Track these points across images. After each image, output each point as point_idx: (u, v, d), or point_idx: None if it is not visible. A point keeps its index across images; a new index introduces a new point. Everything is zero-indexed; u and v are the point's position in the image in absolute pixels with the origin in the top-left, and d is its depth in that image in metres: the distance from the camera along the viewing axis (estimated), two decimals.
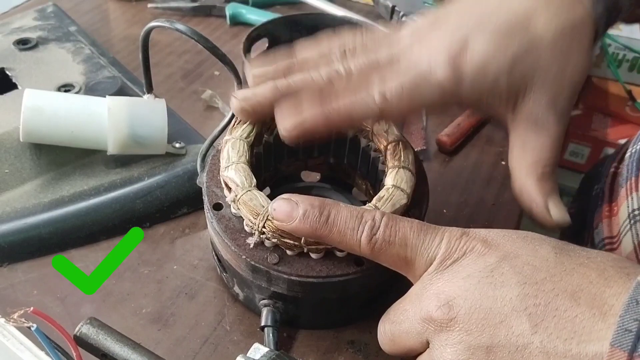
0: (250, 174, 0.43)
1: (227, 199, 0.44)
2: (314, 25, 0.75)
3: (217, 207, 0.45)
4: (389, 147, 0.46)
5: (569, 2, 0.44)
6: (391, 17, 0.82)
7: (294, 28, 0.75)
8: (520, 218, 0.59)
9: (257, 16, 0.83)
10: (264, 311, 0.44)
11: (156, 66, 0.73)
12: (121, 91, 0.60)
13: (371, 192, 0.51)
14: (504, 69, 0.43)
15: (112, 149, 0.54)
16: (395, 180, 0.43)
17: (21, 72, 0.62)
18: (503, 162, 0.64)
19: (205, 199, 0.45)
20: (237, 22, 0.84)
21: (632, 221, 0.49)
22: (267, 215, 0.40)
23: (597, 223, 0.56)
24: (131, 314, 0.47)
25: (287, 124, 0.42)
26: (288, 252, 0.42)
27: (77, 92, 0.59)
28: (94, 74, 0.62)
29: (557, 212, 0.44)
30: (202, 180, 0.47)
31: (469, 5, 0.46)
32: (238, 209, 0.42)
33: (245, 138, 0.45)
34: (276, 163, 0.52)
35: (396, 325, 0.38)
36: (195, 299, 0.48)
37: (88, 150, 0.55)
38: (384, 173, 0.46)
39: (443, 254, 0.37)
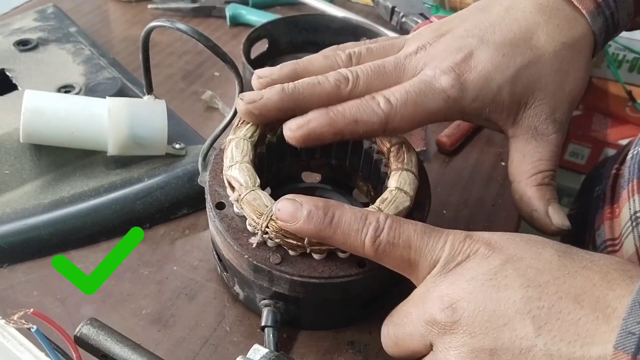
0: (254, 173, 0.43)
1: (230, 198, 0.43)
2: (314, 26, 0.75)
3: (220, 206, 0.44)
4: (392, 150, 0.46)
5: (570, 17, 0.46)
6: (391, 18, 0.82)
7: (294, 29, 0.75)
8: (520, 219, 0.59)
9: (257, 17, 0.83)
10: (265, 311, 0.44)
11: (156, 67, 0.73)
12: (121, 92, 0.60)
13: (372, 194, 0.51)
14: (507, 80, 0.44)
15: (112, 150, 0.54)
16: (399, 183, 0.43)
17: (21, 73, 0.61)
18: (503, 163, 0.64)
19: (207, 198, 0.45)
20: (237, 23, 0.84)
21: (634, 223, 0.49)
22: (271, 215, 0.40)
23: (599, 225, 0.56)
24: (131, 314, 0.47)
25: (291, 124, 0.42)
26: (291, 252, 0.42)
27: (77, 93, 0.59)
28: (94, 74, 0.62)
29: (557, 218, 0.45)
30: (204, 179, 0.46)
31: (473, 15, 0.47)
32: (241, 208, 0.42)
33: (249, 138, 0.45)
34: (279, 163, 0.52)
35: (400, 327, 0.38)
36: (195, 300, 0.48)
37: (88, 151, 0.55)
38: (386, 175, 0.46)
39: (447, 257, 0.37)
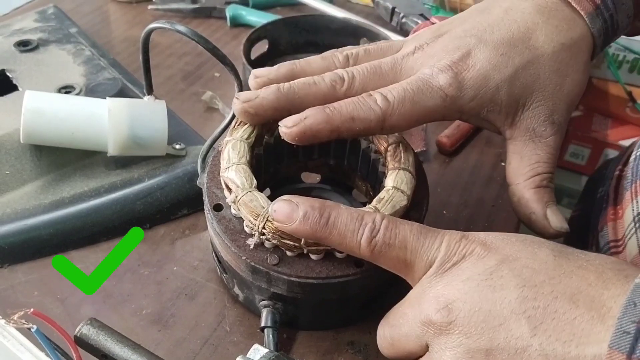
0: (251, 175, 0.43)
1: (227, 200, 0.44)
2: (314, 26, 0.75)
3: (218, 208, 0.45)
4: (389, 149, 0.46)
5: (569, 18, 0.46)
6: (391, 19, 0.82)
7: (294, 30, 0.75)
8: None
9: (258, 18, 0.83)
10: (264, 312, 0.44)
11: (156, 68, 0.73)
12: (121, 93, 0.60)
13: (371, 193, 0.51)
14: (505, 79, 0.44)
15: (112, 151, 0.54)
16: (396, 182, 0.43)
17: (22, 74, 0.62)
18: (503, 164, 0.64)
19: (205, 199, 0.45)
20: (237, 23, 0.84)
21: (637, 224, 0.49)
22: (267, 217, 0.40)
23: (602, 226, 0.56)
24: (131, 315, 0.47)
25: (287, 121, 0.42)
26: (288, 253, 0.42)
27: (77, 94, 0.59)
28: (95, 75, 0.62)
29: (556, 220, 0.45)
30: (203, 181, 0.47)
31: (472, 16, 0.47)
32: (238, 210, 0.42)
33: (246, 139, 0.45)
34: (276, 164, 0.52)
35: (395, 329, 0.38)
36: (195, 300, 0.49)
37: (88, 152, 0.55)
38: (384, 174, 0.46)
39: (442, 257, 0.37)
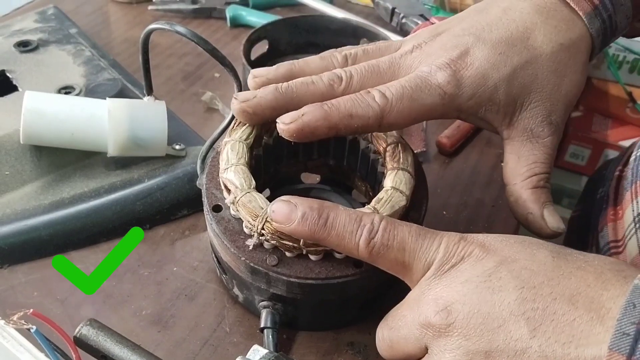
0: (250, 175, 0.43)
1: (226, 201, 0.44)
2: (314, 27, 0.75)
3: (217, 208, 0.45)
4: (388, 149, 0.46)
5: (567, 19, 0.45)
6: (391, 19, 0.82)
7: (294, 30, 0.75)
8: None
9: (258, 18, 0.83)
10: (264, 313, 0.44)
11: (156, 68, 0.73)
12: (121, 93, 0.60)
13: (371, 193, 0.51)
14: (503, 78, 0.44)
15: (112, 151, 0.54)
16: (394, 182, 0.43)
17: (22, 74, 0.62)
18: (503, 164, 0.64)
19: (204, 200, 0.45)
20: (237, 24, 0.84)
21: (637, 225, 0.49)
22: (266, 217, 0.40)
23: (602, 226, 0.56)
24: (131, 315, 0.47)
25: (285, 118, 0.42)
26: (287, 253, 0.42)
27: (77, 94, 0.59)
28: (95, 76, 0.62)
29: (553, 220, 0.45)
30: (202, 182, 0.47)
31: (470, 16, 0.47)
32: (237, 210, 0.42)
33: (245, 140, 0.45)
34: (276, 165, 0.52)
35: (394, 331, 0.38)
36: (195, 301, 0.49)
37: (88, 152, 0.55)
38: (383, 175, 0.46)
39: (441, 259, 0.37)
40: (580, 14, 0.45)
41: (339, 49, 0.48)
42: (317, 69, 0.46)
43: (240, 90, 0.49)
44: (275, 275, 0.42)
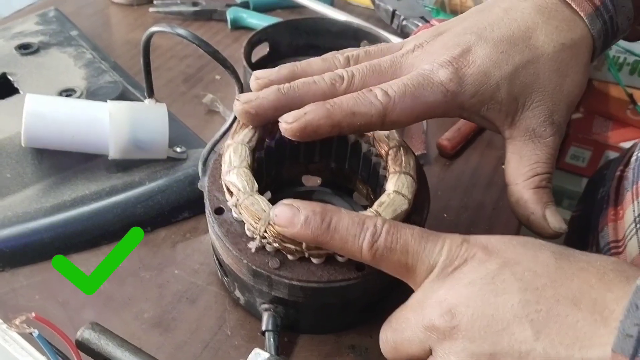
0: (252, 178, 0.43)
1: (228, 204, 0.44)
2: (315, 29, 0.75)
3: (219, 211, 0.45)
4: (390, 153, 0.46)
5: (569, 19, 0.46)
6: (392, 22, 0.82)
7: (294, 32, 0.75)
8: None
9: (258, 20, 0.83)
10: (265, 316, 0.44)
11: (157, 70, 0.73)
12: (122, 96, 0.60)
13: (372, 197, 0.51)
14: (505, 77, 0.44)
15: (113, 154, 0.54)
16: (397, 186, 0.43)
17: (23, 77, 0.62)
18: (503, 166, 0.64)
19: (206, 203, 0.45)
20: (238, 26, 0.84)
21: (637, 225, 0.49)
22: (269, 220, 0.40)
23: (603, 227, 0.56)
24: (132, 318, 0.47)
25: (287, 117, 0.42)
26: (289, 256, 0.42)
27: (78, 97, 0.59)
28: (96, 78, 0.62)
29: (554, 221, 0.45)
30: (204, 184, 0.47)
31: (472, 15, 0.47)
32: (239, 213, 0.42)
33: (247, 142, 0.45)
34: (277, 167, 0.52)
35: (398, 333, 0.38)
36: (196, 304, 0.49)
37: (89, 155, 0.55)
38: (385, 178, 0.46)
39: (444, 261, 0.37)
40: (582, 14, 0.45)
41: (341, 50, 0.48)
42: (319, 70, 0.46)
43: (241, 92, 0.49)
44: (277, 278, 0.42)
